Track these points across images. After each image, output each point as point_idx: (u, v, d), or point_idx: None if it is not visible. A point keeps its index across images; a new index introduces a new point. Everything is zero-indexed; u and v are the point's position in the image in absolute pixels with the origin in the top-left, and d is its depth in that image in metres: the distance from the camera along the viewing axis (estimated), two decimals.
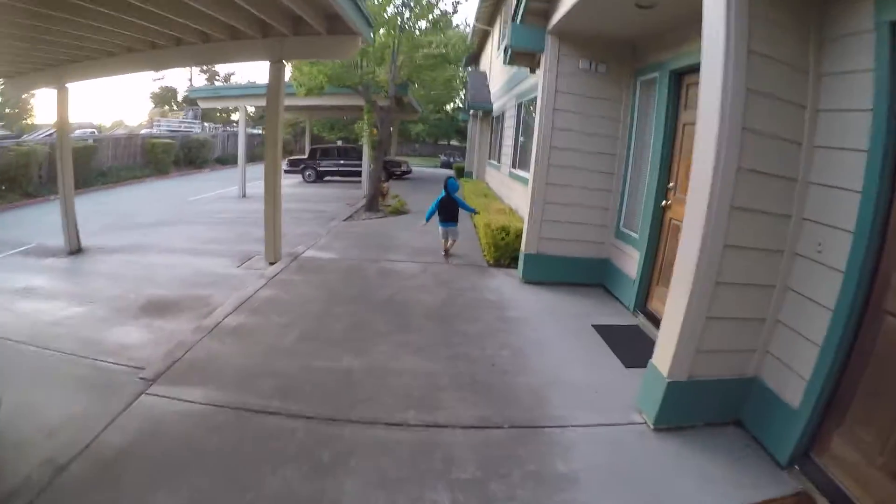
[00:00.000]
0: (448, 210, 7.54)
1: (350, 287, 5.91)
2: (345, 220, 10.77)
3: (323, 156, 20.63)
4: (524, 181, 8.73)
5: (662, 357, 3.35)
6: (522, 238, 6.33)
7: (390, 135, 18.82)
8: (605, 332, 4.91)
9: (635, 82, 5.80)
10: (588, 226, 6.16)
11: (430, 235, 9.06)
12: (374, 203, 11.92)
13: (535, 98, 8.42)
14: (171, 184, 19.31)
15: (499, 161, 12.81)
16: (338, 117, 27.65)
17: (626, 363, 4.27)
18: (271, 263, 6.98)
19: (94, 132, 26.71)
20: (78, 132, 25.10)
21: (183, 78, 48.28)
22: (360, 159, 16.70)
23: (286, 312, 4.98)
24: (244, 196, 14.86)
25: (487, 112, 16.37)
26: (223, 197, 15.18)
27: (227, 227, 9.99)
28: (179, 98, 45.54)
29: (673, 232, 5.01)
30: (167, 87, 46.71)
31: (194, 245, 8.38)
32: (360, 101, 12.78)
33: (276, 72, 6.73)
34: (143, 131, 28.90)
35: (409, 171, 22.31)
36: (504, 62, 6.53)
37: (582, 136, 5.90)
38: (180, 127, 32.50)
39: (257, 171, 24.07)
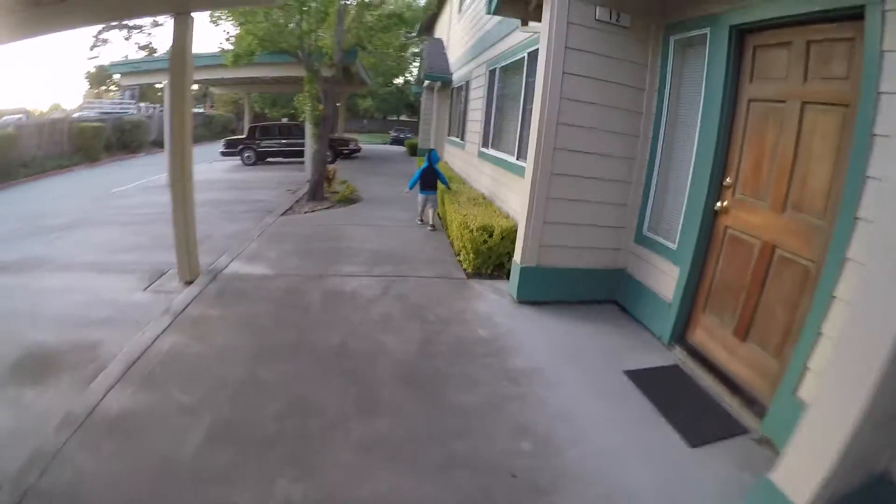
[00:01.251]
0: (428, 179, 7.88)
1: (285, 326, 4.25)
2: (284, 213, 8.96)
3: (263, 135, 18.52)
4: (501, 164, 7.25)
5: (797, 484, 2.16)
6: (517, 245, 4.85)
7: (336, 110, 16.96)
8: (643, 383, 3.58)
9: (667, 41, 4.36)
10: (600, 228, 4.76)
11: (389, 231, 7.53)
12: (318, 190, 10.13)
13: (517, 62, 6.89)
14: (100, 172, 17.00)
15: (463, 138, 11.19)
16: (280, 92, 25.37)
17: (688, 439, 2.98)
18: (188, 283, 5.32)
19: (22, 118, 23.74)
20: (5, 118, 22.40)
21: (120, 56, 44.27)
22: (305, 137, 14.86)
23: (193, 381, 3.33)
24: None
25: (446, 83, 14.65)
26: (150, 187, 13.07)
27: (145, 229, 8.08)
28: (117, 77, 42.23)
29: (730, 245, 3.71)
30: (102, 66, 42.94)
31: (101, 256, 6.56)
32: (302, 72, 10.86)
33: (181, 27, 4.97)
34: (76, 115, 26.18)
35: (359, 150, 20.43)
36: (488, 10, 4.97)
37: (598, 109, 4.44)
38: (115, 109, 29.98)
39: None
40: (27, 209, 10.38)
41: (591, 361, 3.84)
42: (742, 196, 3.64)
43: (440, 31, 17.89)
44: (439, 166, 8.45)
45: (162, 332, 4.03)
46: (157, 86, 30.54)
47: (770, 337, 3.30)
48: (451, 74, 14.00)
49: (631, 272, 4.76)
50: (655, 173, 4.49)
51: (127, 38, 44.16)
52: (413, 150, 22.11)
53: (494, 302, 4.87)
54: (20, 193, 12.75)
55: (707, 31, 3.87)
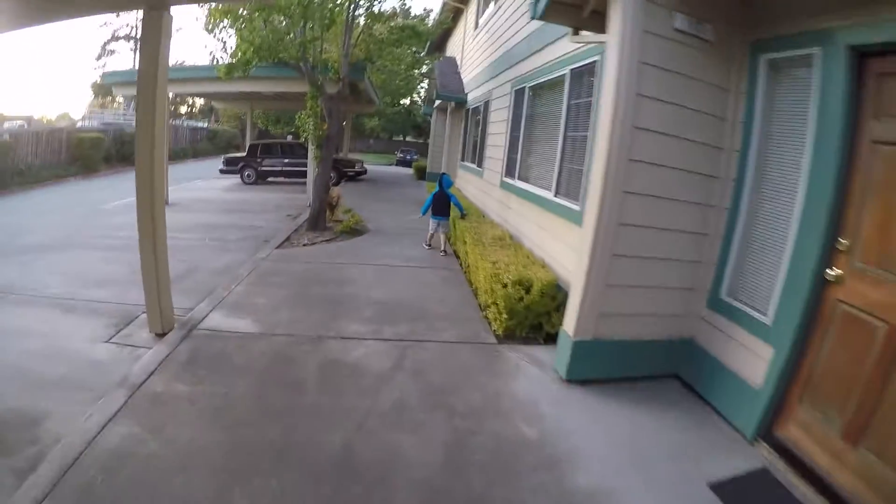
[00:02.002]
0: (441, 204, 7.80)
1: (271, 417, 3.24)
2: (280, 244, 8.04)
3: (265, 153, 17.68)
4: (533, 199, 6.38)
5: None
6: (568, 313, 3.91)
7: (342, 129, 16.18)
8: (733, 500, 2.75)
9: (755, 60, 3.52)
10: (668, 290, 3.87)
11: (400, 274, 6.66)
12: (320, 219, 9.17)
13: (555, 80, 5.90)
14: (95, 185, 16.15)
15: (480, 165, 10.31)
16: (283, 109, 24.61)
17: None
18: (158, 335, 4.46)
19: (22, 125, 23.11)
20: (6, 125, 22.02)
21: (127, 67, 44.23)
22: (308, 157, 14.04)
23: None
24: (167, 203, 11.97)
25: (460, 104, 13.86)
26: None
27: (126, 255, 7.11)
28: None
29: (842, 324, 2.89)
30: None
31: (71, 288, 5.72)
32: (305, 88, 9.91)
33: (155, 25, 4.11)
34: (79, 124, 25.65)
35: (365, 172, 19.53)
36: (533, 15, 4.09)
37: (674, 142, 3.58)
38: (117, 120, 29.43)
39: (192, 169, 21.20)
40: (10, 223, 9.62)
41: (668, 471, 2.95)
42: (862, 265, 2.81)
43: (452, 49, 17.19)
44: (452, 191, 8.18)
45: (112, 417, 3.12)
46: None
47: (894, 446, 2.54)
48: (466, 94, 13.22)
49: (702, 344, 3.86)
50: (740, 225, 3.61)
51: (133, 50, 43.90)
52: (421, 174, 21.11)
53: (536, 380, 3.94)
54: (10, 204, 11.99)
55: (816, 50, 3.05)
